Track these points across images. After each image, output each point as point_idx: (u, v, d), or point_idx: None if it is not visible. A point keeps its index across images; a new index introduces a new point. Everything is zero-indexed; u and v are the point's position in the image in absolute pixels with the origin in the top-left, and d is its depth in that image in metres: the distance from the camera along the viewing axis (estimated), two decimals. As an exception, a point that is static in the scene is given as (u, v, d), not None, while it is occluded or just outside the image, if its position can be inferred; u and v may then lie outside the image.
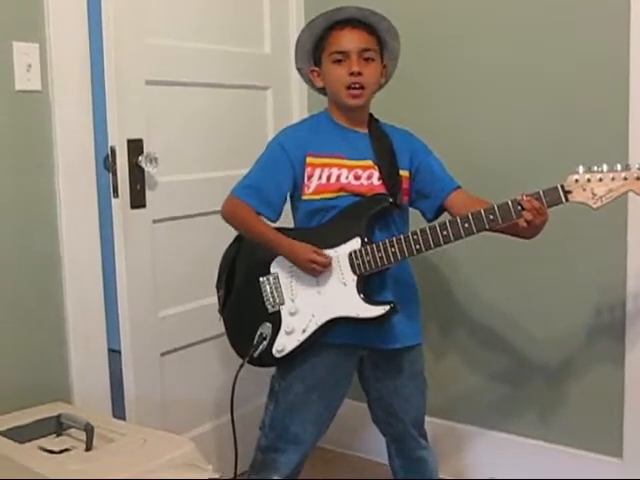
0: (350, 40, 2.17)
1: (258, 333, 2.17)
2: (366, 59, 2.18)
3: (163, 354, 2.65)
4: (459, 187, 2.26)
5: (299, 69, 2.31)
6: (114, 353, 2.55)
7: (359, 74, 2.16)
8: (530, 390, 2.81)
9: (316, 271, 2.12)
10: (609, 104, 2.53)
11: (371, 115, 2.30)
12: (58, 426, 2.02)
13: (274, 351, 2.17)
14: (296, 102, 3.08)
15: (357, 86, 2.17)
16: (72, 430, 2.01)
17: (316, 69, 2.26)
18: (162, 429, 2.32)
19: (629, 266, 2.53)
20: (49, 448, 1.93)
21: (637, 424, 2.57)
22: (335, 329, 2.15)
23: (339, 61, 2.17)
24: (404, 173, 2.24)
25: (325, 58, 2.21)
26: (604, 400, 2.64)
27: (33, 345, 2.28)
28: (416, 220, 2.28)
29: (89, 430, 1.92)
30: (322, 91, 2.30)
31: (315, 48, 2.24)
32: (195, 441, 2.01)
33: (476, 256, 2.65)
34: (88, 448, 1.91)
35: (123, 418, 2.50)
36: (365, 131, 2.26)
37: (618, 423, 2.60)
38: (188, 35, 2.69)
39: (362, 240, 2.13)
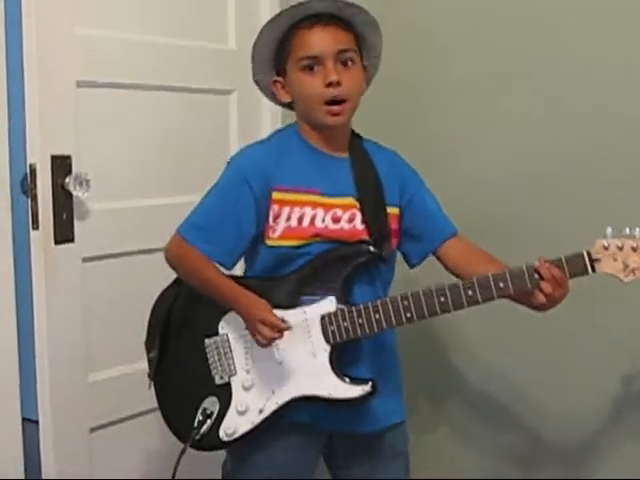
0: (323, 41, 1.90)
1: (201, 409, 1.95)
2: (344, 63, 1.91)
3: (93, 429, 2.41)
4: (457, 232, 2.06)
5: (257, 81, 2.05)
6: (31, 423, 2.31)
7: (338, 84, 1.88)
8: (541, 476, 2.55)
9: (263, 336, 1.85)
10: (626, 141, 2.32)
11: (353, 132, 2.03)
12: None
13: (221, 433, 1.95)
14: (266, 109, 2.78)
15: (337, 100, 1.89)
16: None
17: (280, 80, 1.99)
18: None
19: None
20: None
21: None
22: (300, 407, 1.93)
23: (310, 68, 1.91)
24: (393, 210, 2.01)
25: (291, 65, 1.94)
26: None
27: None
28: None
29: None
30: (289, 106, 2.03)
31: (277, 53, 1.98)
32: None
33: (476, 313, 2.33)
34: None
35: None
36: (345, 155, 1.99)
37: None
38: (131, 25, 2.45)
39: (338, 300, 1.90)
